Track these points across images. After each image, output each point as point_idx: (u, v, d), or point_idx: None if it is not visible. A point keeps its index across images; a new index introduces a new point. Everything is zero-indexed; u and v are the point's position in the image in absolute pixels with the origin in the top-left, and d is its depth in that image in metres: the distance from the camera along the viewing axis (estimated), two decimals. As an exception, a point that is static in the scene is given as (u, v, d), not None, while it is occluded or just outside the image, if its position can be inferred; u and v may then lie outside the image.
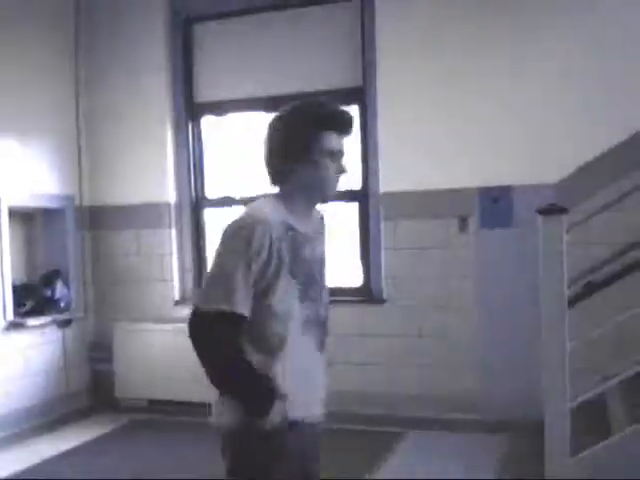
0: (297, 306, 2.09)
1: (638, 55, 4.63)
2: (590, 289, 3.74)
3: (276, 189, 2.18)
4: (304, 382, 2.13)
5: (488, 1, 4.96)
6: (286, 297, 2.05)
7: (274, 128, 2.15)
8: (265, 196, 2.17)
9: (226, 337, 2.00)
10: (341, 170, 2.15)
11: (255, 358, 2.04)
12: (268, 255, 1.98)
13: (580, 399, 3.43)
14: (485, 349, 4.96)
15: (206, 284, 2.07)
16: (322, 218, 2.31)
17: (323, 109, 2.13)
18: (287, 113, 2.14)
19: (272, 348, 2.06)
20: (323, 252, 2.26)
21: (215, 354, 2.02)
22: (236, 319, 1.98)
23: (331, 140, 2.09)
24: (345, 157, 2.16)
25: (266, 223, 2.00)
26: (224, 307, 1.96)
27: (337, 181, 2.16)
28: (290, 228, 2.07)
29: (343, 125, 2.13)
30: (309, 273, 2.13)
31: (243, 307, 1.98)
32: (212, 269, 2.06)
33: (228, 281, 1.97)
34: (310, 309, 2.13)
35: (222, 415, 2.11)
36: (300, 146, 2.08)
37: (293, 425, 2.07)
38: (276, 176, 2.15)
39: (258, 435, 2.03)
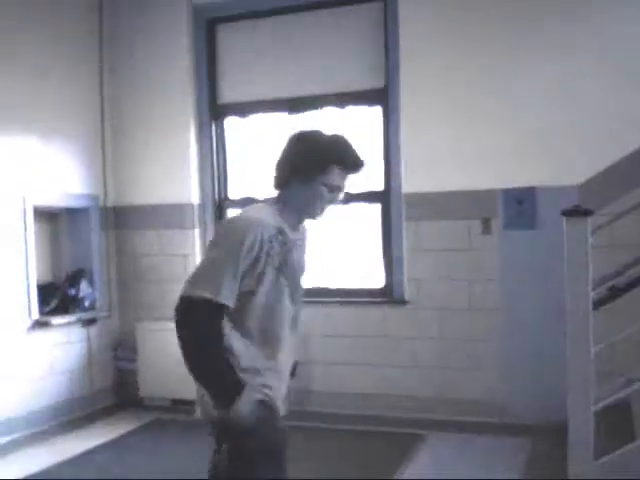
0: (288, 306, 2.27)
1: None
2: (614, 292, 3.71)
3: (273, 193, 2.37)
4: (281, 376, 2.32)
5: (514, 3, 4.94)
6: (274, 294, 2.22)
7: (292, 143, 2.32)
8: (263, 201, 2.38)
9: (207, 322, 2.12)
10: (333, 202, 2.33)
11: (246, 350, 2.21)
12: (258, 253, 2.14)
13: (604, 402, 3.41)
14: (508, 352, 4.95)
15: (196, 274, 2.19)
16: (305, 230, 2.48)
17: (340, 148, 2.29)
18: (308, 136, 2.33)
19: (264, 342, 2.23)
20: (304, 260, 2.48)
21: (194, 338, 2.13)
22: (219, 309, 2.12)
23: (335, 176, 2.27)
24: (342, 192, 2.34)
25: (259, 224, 2.17)
26: (209, 296, 2.09)
27: (325, 209, 2.34)
28: (281, 232, 2.24)
29: (352, 167, 2.30)
30: (295, 277, 2.33)
31: (228, 299, 2.12)
32: (203, 261, 2.24)
33: (217, 273, 2.12)
34: (295, 310, 2.33)
35: (211, 408, 2.23)
36: (306, 170, 2.25)
37: (271, 407, 2.24)
38: (278, 183, 2.33)
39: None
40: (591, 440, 3.33)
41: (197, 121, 5.84)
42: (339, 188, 2.30)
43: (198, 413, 2.33)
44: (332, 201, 2.32)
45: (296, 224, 2.35)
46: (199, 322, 2.11)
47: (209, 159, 5.86)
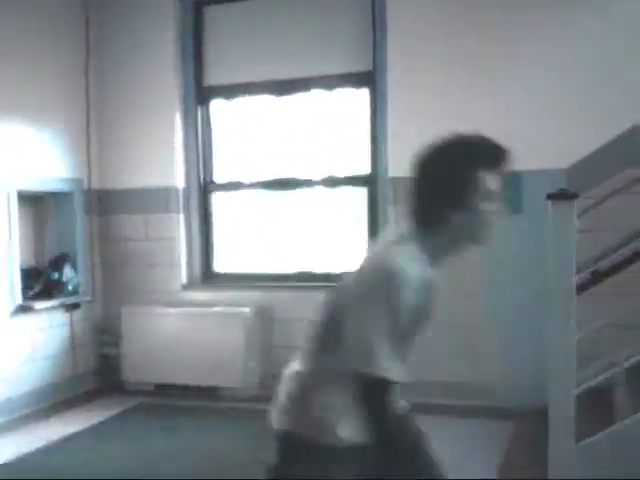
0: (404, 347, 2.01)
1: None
2: (597, 277, 3.69)
3: (413, 227, 1.99)
4: None
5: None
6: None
7: (423, 170, 1.96)
8: (407, 239, 1.96)
9: (388, 403, 1.91)
10: (499, 211, 1.95)
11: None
12: (408, 314, 1.89)
13: (585, 386, 3.40)
14: (494, 335, 4.93)
15: (365, 344, 1.87)
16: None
17: (477, 147, 1.95)
18: (437, 153, 1.96)
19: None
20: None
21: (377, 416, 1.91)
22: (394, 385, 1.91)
23: (488, 180, 1.90)
24: (501, 196, 1.95)
25: (414, 281, 1.86)
26: (388, 376, 1.87)
27: (492, 224, 1.96)
28: (427, 281, 1.93)
29: (499, 162, 1.93)
30: (424, 318, 2.06)
31: (400, 377, 1.90)
32: (368, 327, 1.87)
33: (387, 346, 1.86)
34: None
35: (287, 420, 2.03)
36: (456, 191, 1.90)
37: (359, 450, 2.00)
38: (425, 222, 1.96)
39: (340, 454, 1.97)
40: (572, 424, 3.31)
41: (182, 104, 5.78)
42: (498, 193, 1.93)
43: (273, 420, 2.07)
44: (497, 211, 1.94)
45: (446, 263, 2.02)
46: (381, 404, 1.90)
47: (194, 142, 5.80)
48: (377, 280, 1.89)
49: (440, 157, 1.96)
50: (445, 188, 1.91)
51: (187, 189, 5.78)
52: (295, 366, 2.11)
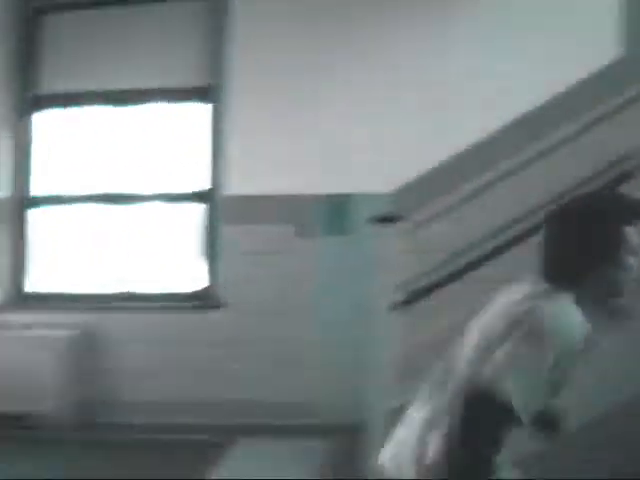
0: None
1: (479, 66, 4.82)
2: (416, 295, 3.78)
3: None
4: None
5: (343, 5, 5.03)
6: None
7: (567, 226, 1.96)
8: (561, 294, 1.90)
9: None
10: (638, 266, 1.97)
11: None
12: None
13: (402, 400, 3.43)
14: (322, 355, 4.94)
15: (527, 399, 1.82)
16: None
17: (623, 201, 1.98)
18: (581, 206, 1.99)
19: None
20: None
21: None
22: None
23: (633, 235, 1.93)
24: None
25: (575, 334, 1.82)
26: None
27: (631, 279, 1.97)
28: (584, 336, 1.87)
29: (638, 217, 1.96)
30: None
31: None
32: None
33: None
34: None
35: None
36: (607, 244, 1.91)
37: None
38: (568, 278, 1.93)
39: None
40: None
41: (3, 112, 5.43)
42: (637, 247, 1.95)
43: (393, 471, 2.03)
44: (636, 265, 1.96)
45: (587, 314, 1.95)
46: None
47: (11, 153, 5.45)
48: (534, 340, 1.81)
49: (588, 213, 1.96)
50: (594, 242, 1.92)
51: (0, 202, 5.39)
52: (418, 414, 2.04)
